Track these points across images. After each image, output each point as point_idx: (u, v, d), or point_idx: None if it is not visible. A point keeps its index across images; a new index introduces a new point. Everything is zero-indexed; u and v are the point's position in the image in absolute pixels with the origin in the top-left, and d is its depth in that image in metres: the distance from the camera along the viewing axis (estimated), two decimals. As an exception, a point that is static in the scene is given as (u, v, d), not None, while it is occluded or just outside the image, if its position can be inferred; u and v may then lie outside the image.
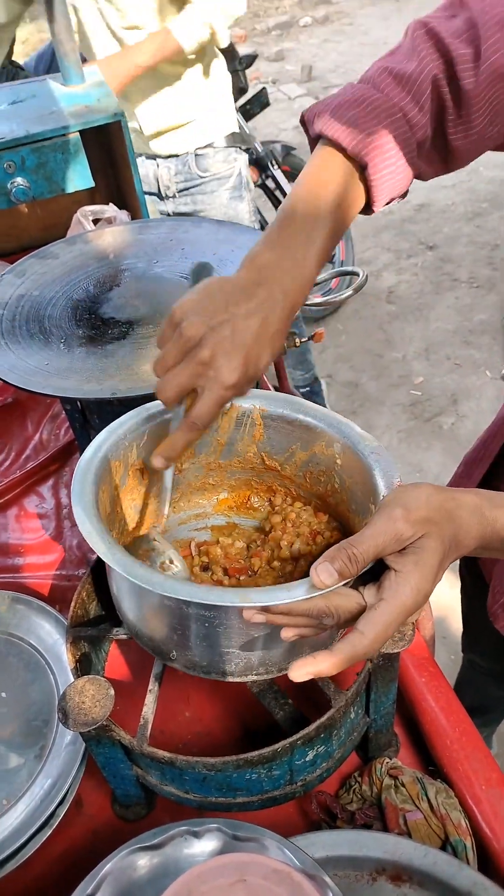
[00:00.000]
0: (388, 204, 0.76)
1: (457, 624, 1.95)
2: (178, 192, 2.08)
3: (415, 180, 0.76)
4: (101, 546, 0.58)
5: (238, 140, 2.07)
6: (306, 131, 0.74)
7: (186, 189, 2.07)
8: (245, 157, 2.12)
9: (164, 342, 0.65)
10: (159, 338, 0.65)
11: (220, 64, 2.03)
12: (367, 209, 0.74)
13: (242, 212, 2.15)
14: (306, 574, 0.53)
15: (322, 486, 0.76)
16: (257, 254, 0.66)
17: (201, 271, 0.74)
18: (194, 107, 1.96)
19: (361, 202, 0.72)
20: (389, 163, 0.69)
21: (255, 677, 0.63)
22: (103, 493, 0.67)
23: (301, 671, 0.50)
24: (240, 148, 2.08)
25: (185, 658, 0.63)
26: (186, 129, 1.97)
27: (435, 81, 0.69)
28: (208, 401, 0.62)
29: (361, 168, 0.69)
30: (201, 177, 2.04)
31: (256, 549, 0.75)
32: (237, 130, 2.08)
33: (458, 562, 1.22)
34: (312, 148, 0.73)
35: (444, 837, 0.64)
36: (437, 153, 0.74)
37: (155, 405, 0.75)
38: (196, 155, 2.01)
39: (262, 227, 3.17)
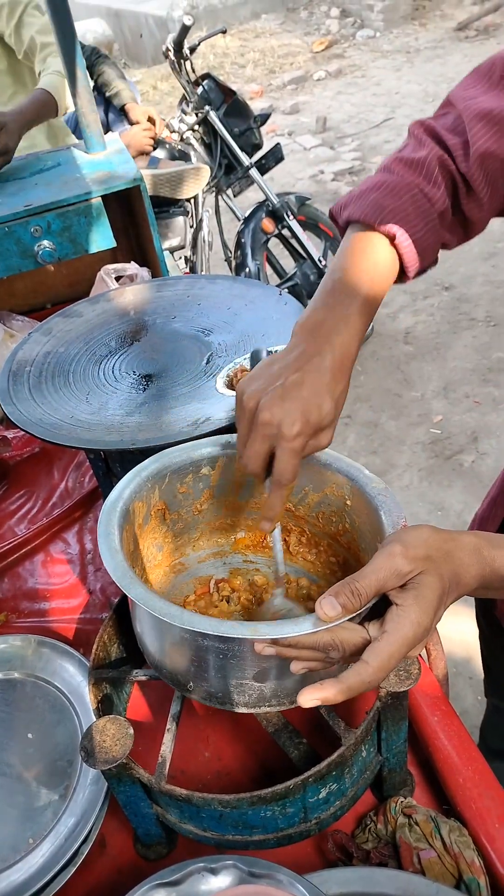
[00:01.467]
0: (422, 273, 0.81)
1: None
2: None
3: None
4: (125, 580, 0.62)
5: None
6: (336, 224, 0.81)
7: None
8: None
9: (238, 423, 0.71)
10: (236, 420, 0.72)
11: None
12: (403, 276, 0.80)
13: None
14: None
15: (334, 525, 0.80)
16: (305, 319, 0.73)
17: (257, 356, 0.82)
18: None
19: (394, 269, 0.78)
20: (415, 231, 0.76)
21: (268, 708, 0.66)
22: (126, 533, 0.71)
23: (309, 696, 0.54)
24: None
25: (202, 689, 0.66)
26: None
27: (442, 162, 0.77)
28: (282, 456, 0.67)
29: (390, 238, 0.76)
30: None
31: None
32: None
33: (474, 607, 1.24)
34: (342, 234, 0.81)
35: (457, 876, 0.65)
36: (458, 224, 0.81)
37: (176, 451, 0.80)
38: None
39: (279, 274, 3.26)
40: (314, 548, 0.84)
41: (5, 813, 0.77)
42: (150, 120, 2.76)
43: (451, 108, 0.80)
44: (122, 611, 0.81)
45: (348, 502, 0.77)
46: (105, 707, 0.73)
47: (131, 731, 0.64)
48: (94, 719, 0.68)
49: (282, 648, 0.57)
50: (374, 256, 0.75)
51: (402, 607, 0.55)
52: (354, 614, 0.56)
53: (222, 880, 0.59)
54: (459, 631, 2.00)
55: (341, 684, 0.53)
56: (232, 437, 0.82)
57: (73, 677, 0.87)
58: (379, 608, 0.57)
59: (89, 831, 0.73)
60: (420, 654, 0.69)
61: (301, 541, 0.85)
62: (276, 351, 0.78)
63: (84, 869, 0.72)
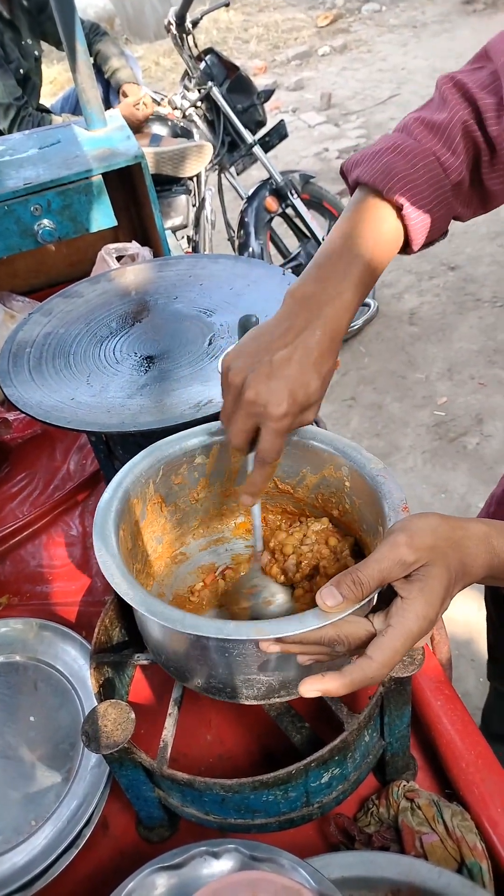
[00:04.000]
0: (428, 245, 0.78)
1: (486, 647, 1.94)
2: None
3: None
4: (123, 586, 0.62)
5: None
6: (346, 182, 0.78)
7: None
8: None
9: (223, 397, 0.70)
10: (222, 394, 0.71)
11: None
12: (408, 248, 0.77)
13: None
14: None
15: (334, 507, 0.79)
16: (297, 288, 0.71)
17: (246, 323, 0.79)
18: None
19: (398, 241, 0.75)
20: (424, 203, 0.72)
21: (277, 699, 0.66)
22: (124, 531, 0.71)
23: (311, 687, 0.53)
24: None
25: (209, 684, 0.66)
26: None
27: (466, 128, 0.73)
28: (267, 436, 0.66)
29: (397, 209, 0.72)
30: None
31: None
32: None
33: (483, 591, 1.23)
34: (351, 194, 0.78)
35: (460, 860, 0.65)
36: (475, 195, 0.78)
37: (167, 443, 0.79)
38: None
39: (282, 254, 3.23)
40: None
41: (8, 796, 0.77)
42: (141, 102, 2.72)
43: (488, 61, 0.74)
44: (123, 594, 0.80)
45: (347, 483, 0.76)
46: (107, 691, 0.73)
47: (133, 715, 0.63)
48: (96, 703, 0.67)
49: (287, 646, 0.56)
50: (379, 226, 0.72)
51: (406, 600, 0.53)
52: (358, 605, 0.55)
53: (224, 864, 0.59)
54: (462, 612, 2.00)
55: (344, 678, 0.52)
56: (204, 427, 0.81)
57: (74, 660, 0.87)
58: (386, 596, 0.56)
59: (91, 814, 0.73)
60: None
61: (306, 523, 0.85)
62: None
63: (86, 851, 0.72)
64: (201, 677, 0.66)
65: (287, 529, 0.82)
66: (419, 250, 0.78)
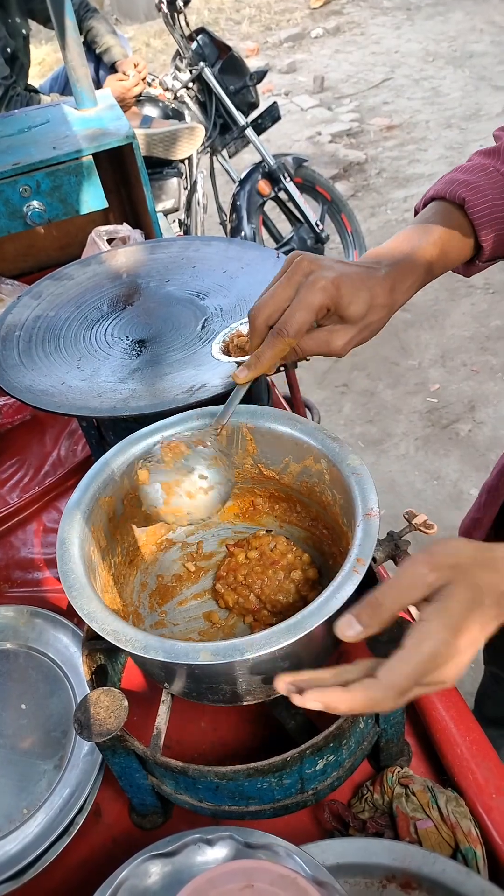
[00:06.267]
0: (499, 258, 0.81)
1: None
2: None
3: None
4: (85, 609, 0.62)
5: None
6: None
7: None
8: None
9: (277, 277, 0.71)
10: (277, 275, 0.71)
11: None
12: (479, 253, 0.79)
13: None
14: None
15: (318, 496, 0.78)
16: (372, 252, 0.75)
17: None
18: None
19: (466, 237, 0.77)
20: (487, 200, 0.75)
21: (277, 694, 0.65)
22: (94, 533, 0.70)
23: (312, 698, 0.48)
24: None
25: (208, 699, 0.66)
26: None
27: None
28: (296, 306, 0.66)
29: (461, 204, 0.76)
30: None
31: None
32: None
33: None
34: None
35: (454, 846, 0.65)
36: None
37: (140, 435, 0.77)
38: None
39: (275, 238, 3.20)
40: (303, 515, 0.82)
41: (0, 784, 0.76)
42: (135, 66, 2.66)
43: None
44: (115, 581, 0.79)
45: (326, 476, 0.74)
46: (99, 678, 0.72)
47: (126, 702, 0.62)
48: (88, 690, 0.67)
49: (300, 683, 0.51)
50: (447, 218, 0.76)
51: (420, 621, 0.48)
52: (379, 629, 0.50)
53: (218, 851, 0.58)
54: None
55: (347, 694, 0.47)
56: (196, 412, 0.78)
57: (66, 648, 0.86)
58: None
59: (84, 801, 0.72)
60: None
61: (290, 514, 0.84)
62: None
63: (79, 838, 0.72)
64: (178, 689, 0.67)
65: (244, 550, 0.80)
66: (492, 257, 0.80)
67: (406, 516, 0.77)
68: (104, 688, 0.63)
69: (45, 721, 0.81)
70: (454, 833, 0.65)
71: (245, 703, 0.66)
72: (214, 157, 3.15)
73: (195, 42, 2.93)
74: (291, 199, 3.08)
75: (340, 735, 0.63)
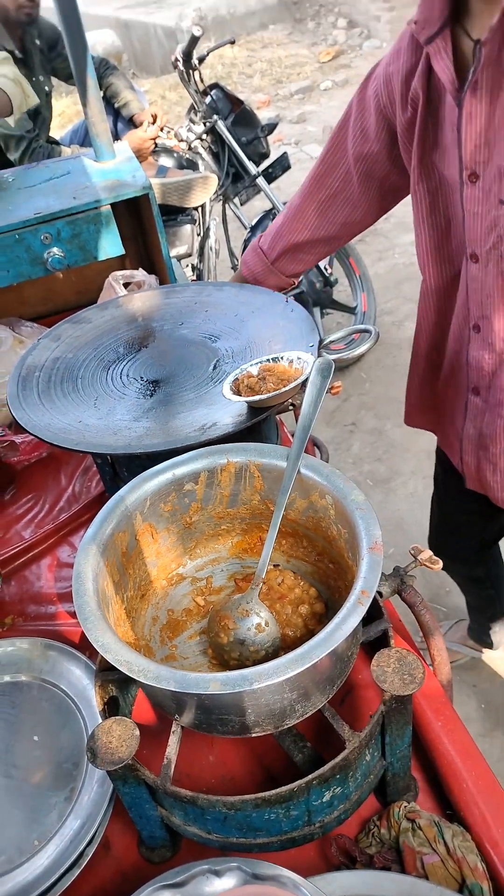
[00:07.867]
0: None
1: (489, 670, 1.93)
2: None
3: None
4: (100, 641, 0.64)
5: None
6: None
7: None
8: None
9: None
10: None
11: None
12: None
13: None
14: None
15: (324, 531, 0.80)
16: None
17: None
18: None
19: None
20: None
21: (288, 724, 0.66)
22: (108, 567, 0.73)
23: None
24: None
25: (219, 731, 0.68)
26: None
27: None
28: None
29: None
30: None
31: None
32: None
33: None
34: None
35: (461, 881, 0.65)
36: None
37: (152, 473, 0.81)
38: None
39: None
40: (309, 549, 0.85)
41: (11, 815, 0.77)
42: (154, 117, 2.79)
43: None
44: (128, 614, 0.81)
45: (331, 511, 0.77)
46: (111, 709, 0.73)
47: (137, 732, 0.64)
48: (100, 721, 0.68)
49: None
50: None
51: None
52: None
53: (226, 882, 0.59)
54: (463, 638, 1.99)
55: None
56: (206, 450, 0.82)
57: (79, 680, 0.88)
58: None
59: (94, 833, 0.73)
60: (424, 660, 0.69)
61: (294, 549, 0.86)
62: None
63: (88, 871, 0.72)
64: (188, 720, 0.68)
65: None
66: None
67: (412, 552, 0.80)
68: (116, 717, 0.65)
69: (57, 753, 0.82)
70: (461, 868, 0.66)
71: (254, 735, 0.67)
72: (227, 205, 3.25)
73: (209, 96, 3.05)
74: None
75: (347, 766, 0.64)
